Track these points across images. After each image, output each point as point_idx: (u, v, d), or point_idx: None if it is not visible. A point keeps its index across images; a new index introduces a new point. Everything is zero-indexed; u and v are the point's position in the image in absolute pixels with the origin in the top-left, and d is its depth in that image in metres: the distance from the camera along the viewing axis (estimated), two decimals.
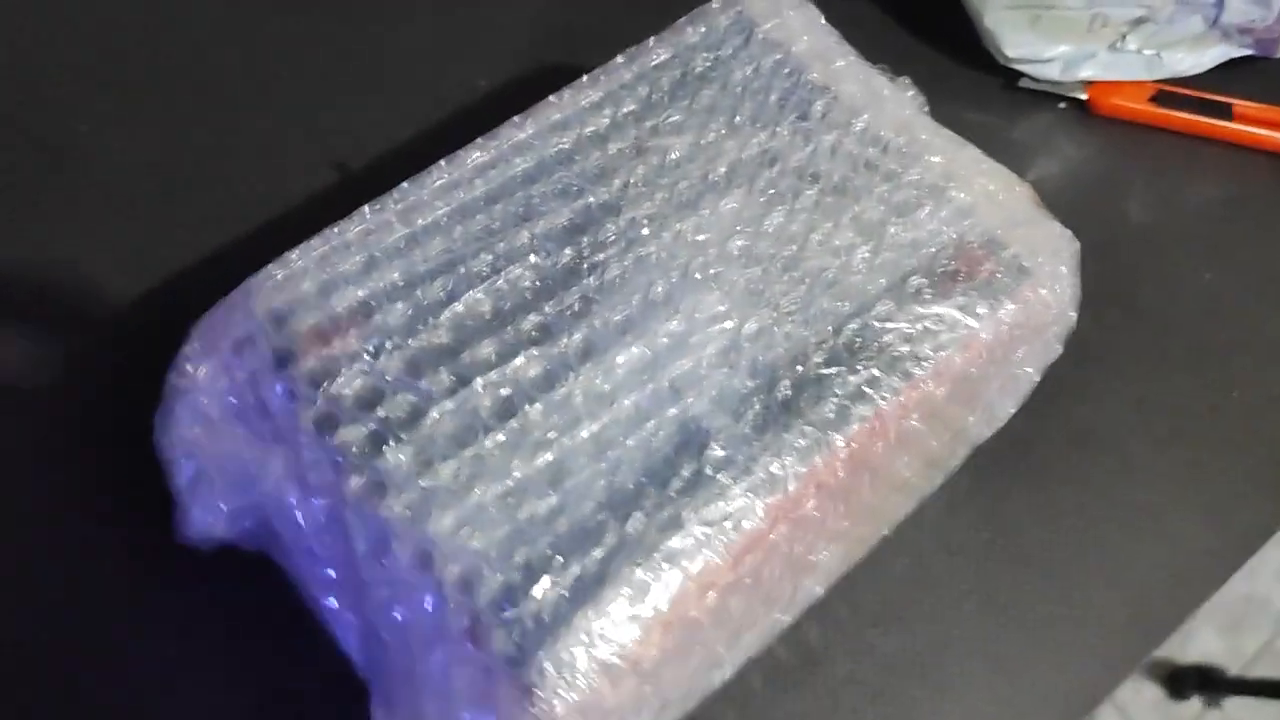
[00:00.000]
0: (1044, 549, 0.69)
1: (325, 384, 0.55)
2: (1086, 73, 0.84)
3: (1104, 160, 0.84)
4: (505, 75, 0.82)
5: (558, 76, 0.76)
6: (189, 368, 0.56)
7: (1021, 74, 0.85)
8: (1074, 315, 0.63)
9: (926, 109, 0.68)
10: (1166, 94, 0.84)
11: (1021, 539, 0.69)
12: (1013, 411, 0.66)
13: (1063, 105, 0.85)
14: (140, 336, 0.69)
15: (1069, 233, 0.64)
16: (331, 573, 0.54)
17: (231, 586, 0.62)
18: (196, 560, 0.59)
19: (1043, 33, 0.83)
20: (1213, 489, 0.71)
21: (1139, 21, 0.82)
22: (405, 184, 0.62)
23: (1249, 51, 0.84)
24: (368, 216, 0.60)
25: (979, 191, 0.63)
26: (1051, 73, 0.84)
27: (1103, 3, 0.81)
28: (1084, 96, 0.84)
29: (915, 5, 0.88)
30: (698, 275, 0.59)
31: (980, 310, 0.60)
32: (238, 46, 0.82)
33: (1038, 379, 0.65)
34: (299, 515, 0.54)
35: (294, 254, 0.59)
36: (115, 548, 0.64)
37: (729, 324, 0.58)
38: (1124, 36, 0.83)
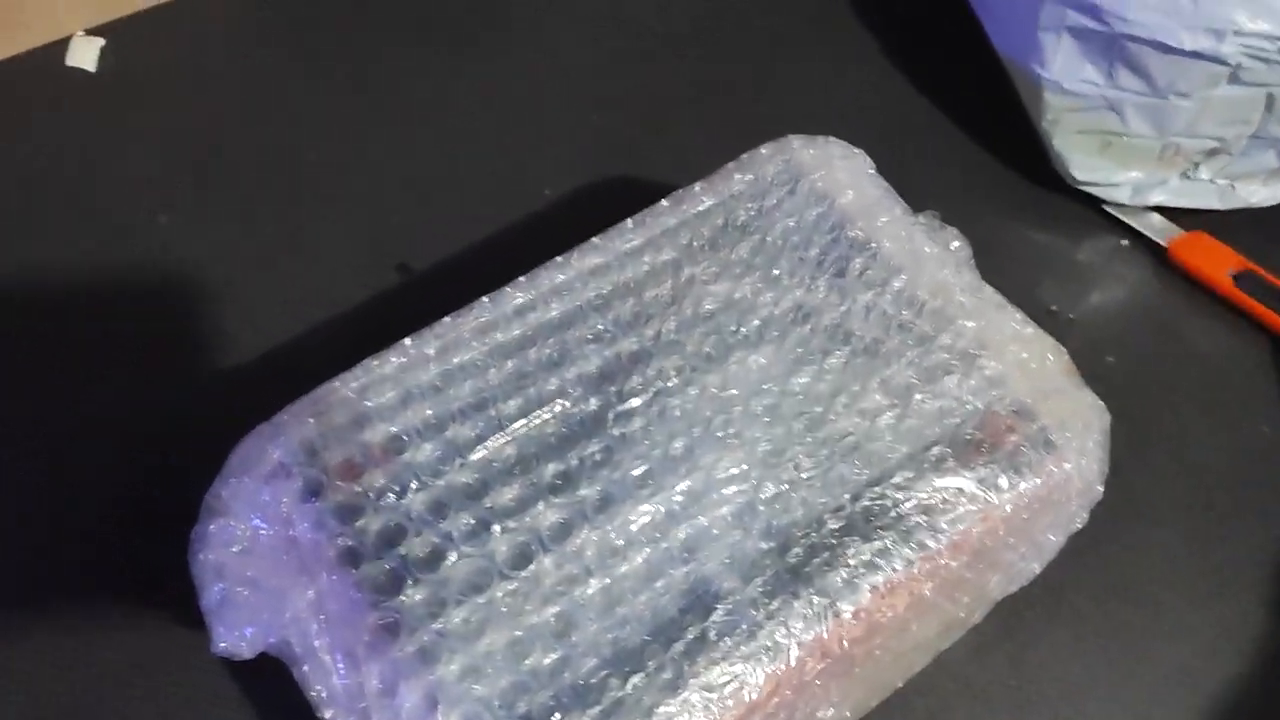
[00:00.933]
0: (1072, 701, 0.70)
1: (351, 519, 0.59)
2: (1157, 198, 0.88)
3: (1167, 295, 0.86)
4: (570, 185, 0.87)
5: (620, 189, 0.81)
6: (223, 492, 0.59)
7: (1096, 198, 0.88)
8: (1101, 489, 0.65)
9: (972, 260, 0.71)
10: (1250, 276, 0.84)
11: (1048, 688, 0.70)
12: (1038, 571, 0.68)
13: (1125, 242, 0.87)
14: (198, 433, 0.73)
15: (1101, 405, 0.66)
16: (343, 704, 0.58)
17: (261, 694, 0.67)
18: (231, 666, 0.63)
19: (1112, 158, 0.86)
20: (1252, 653, 0.72)
21: (1212, 153, 0.85)
22: (447, 319, 0.65)
23: None
24: (408, 348, 0.64)
25: (1011, 360, 0.66)
26: (1121, 196, 0.88)
27: (1175, 133, 0.83)
28: (1163, 243, 0.86)
29: (990, 123, 0.92)
30: (719, 433, 0.62)
31: (1001, 484, 0.62)
32: (314, 145, 0.88)
33: (1063, 543, 0.67)
34: (317, 645, 0.57)
35: (335, 382, 0.63)
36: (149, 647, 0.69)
37: (746, 486, 0.61)
38: (1197, 166, 0.86)
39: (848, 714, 0.63)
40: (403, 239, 0.83)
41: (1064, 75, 0.82)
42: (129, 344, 0.78)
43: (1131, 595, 0.73)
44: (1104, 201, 0.89)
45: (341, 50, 0.93)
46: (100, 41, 0.89)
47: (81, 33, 0.90)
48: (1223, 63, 0.78)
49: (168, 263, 0.81)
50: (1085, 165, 0.87)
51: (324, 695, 0.58)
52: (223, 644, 0.59)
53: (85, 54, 0.89)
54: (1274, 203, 0.88)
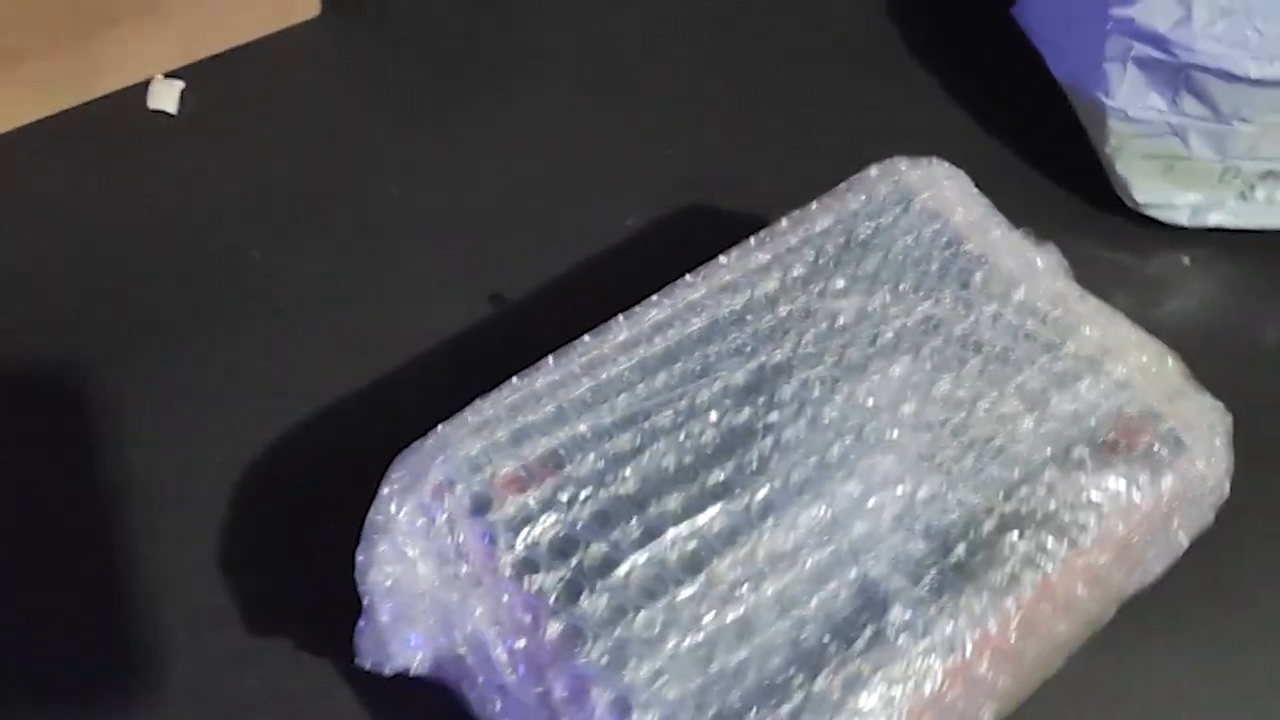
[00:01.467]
0: (1183, 701, 0.72)
1: (524, 530, 0.59)
2: (1215, 219, 0.91)
3: (1236, 309, 0.90)
4: (650, 215, 0.89)
5: (697, 218, 0.84)
6: (391, 508, 0.60)
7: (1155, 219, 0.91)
8: (1228, 488, 0.67)
9: (1071, 274, 0.73)
10: None
11: (1162, 689, 0.72)
12: (1161, 572, 0.70)
13: (1186, 260, 0.90)
14: (304, 459, 0.75)
15: (1221, 405, 0.68)
16: (521, 716, 0.58)
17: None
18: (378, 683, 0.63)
19: (1174, 181, 0.89)
20: None
21: (1268, 174, 0.88)
22: (586, 338, 0.67)
23: None
24: (552, 368, 0.65)
25: (1134, 364, 0.68)
26: (1180, 218, 0.91)
27: (1236, 156, 0.87)
28: None
29: (1042, 145, 0.95)
30: (871, 439, 0.64)
31: (1141, 481, 0.64)
32: (397, 180, 0.89)
33: (1185, 546, 0.68)
34: (495, 657, 0.58)
35: (485, 402, 0.64)
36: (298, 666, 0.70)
37: (903, 488, 0.62)
38: (1253, 187, 0.89)
39: (997, 711, 0.65)
40: (492, 269, 0.85)
41: (1129, 103, 0.85)
42: (228, 378, 0.79)
43: (1230, 597, 0.76)
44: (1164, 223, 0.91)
45: (416, 88, 0.95)
46: (180, 84, 0.91)
47: (161, 76, 0.90)
48: None
49: (263, 296, 0.82)
50: (1147, 188, 0.90)
51: (499, 708, 0.59)
52: (399, 660, 0.60)
53: (166, 97, 0.90)
54: None
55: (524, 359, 0.67)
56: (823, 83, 0.99)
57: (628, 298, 0.69)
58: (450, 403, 0.65)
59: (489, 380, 0.66)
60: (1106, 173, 0.91)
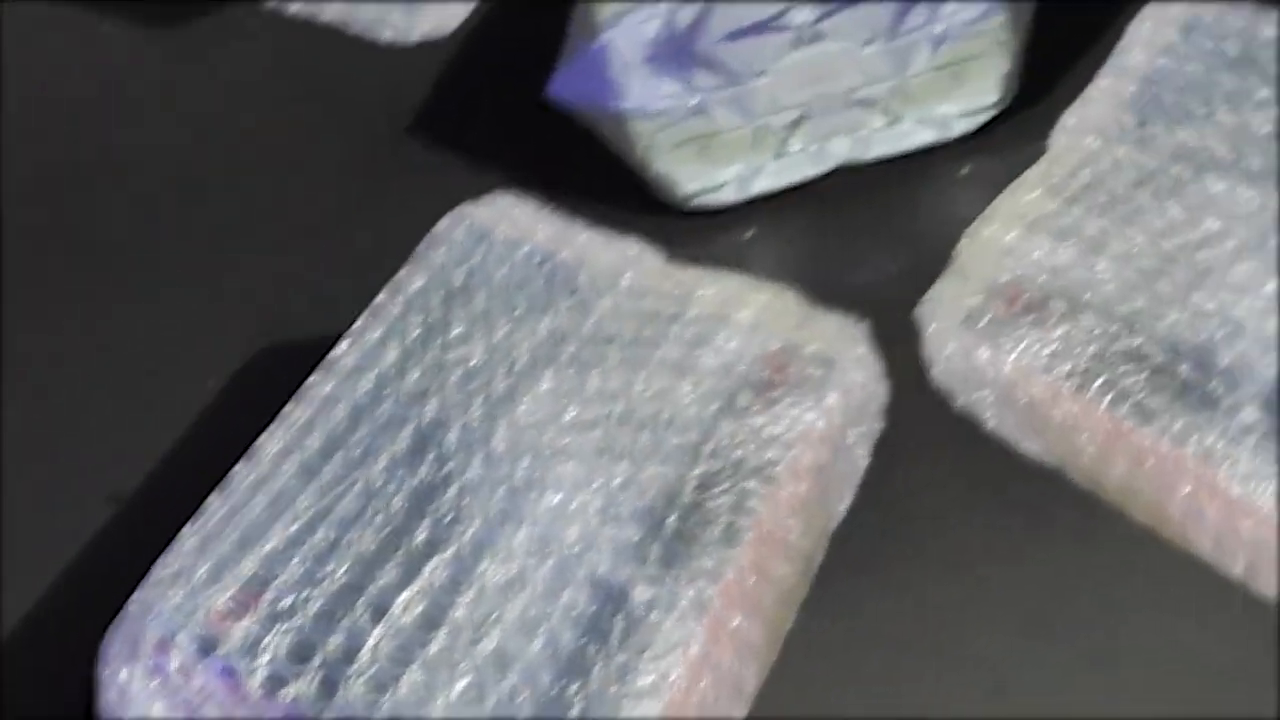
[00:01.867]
0: (901, 636, 0.79)
1: (257, 651, 0.65)
2: (760, 186, 1.00)
3: (808, 250, 1.00)
4: (230, 367, 0.95)
5: (279, 355, 0.90)
6: (121, 679, 0.65)
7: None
8: (885, 389, 0.77)
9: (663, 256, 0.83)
10: None
11: (877, 628, 0.79)
12: (848, 502, 0.79)
13: (750, 232, 1.00)
14: None
15: (851, 319, 0.79)
16: None
17: None
18: None
19: (712, 161, 0.98)
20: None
21: (797, 122, 0.98)
22: (237, 467, 0.73)
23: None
24: (218, 505, 0.71)
25: (756, 307, 0.78)
26: (727, 196, 1.00)
27: (761, 113, 0.96)
28: None
29: (579, 183, 1.00)
30: (547, 452, 0.72)
31: (808, 404, 0.74)
32: None
33: (866, 461, 0.78)
34: None
35: (168, 557, 0.70)
36: None
37: (596, 485, 0.71)
38: (785, 141, 0.99)
39: (754, 684, 0.73)
40: (97, 471, 0.89)
41: (645, 99, 0.94)
42: None
43: (918, 523, 0.83)
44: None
45: None
46: None
47: None
48: (787, 28, 0.92)
49: None
50: (689, 176, 0.98)
51: None
52: None
53: None
54: (870, 157, 1.00)
55: (160, 542, 0.72)
56: (352, 186, 1.07)
57: (236, 449, 0.75)
58: (107, 601, 0.70)
59: (134, 574, 0.71)
60: (646, 179, 0.99)
